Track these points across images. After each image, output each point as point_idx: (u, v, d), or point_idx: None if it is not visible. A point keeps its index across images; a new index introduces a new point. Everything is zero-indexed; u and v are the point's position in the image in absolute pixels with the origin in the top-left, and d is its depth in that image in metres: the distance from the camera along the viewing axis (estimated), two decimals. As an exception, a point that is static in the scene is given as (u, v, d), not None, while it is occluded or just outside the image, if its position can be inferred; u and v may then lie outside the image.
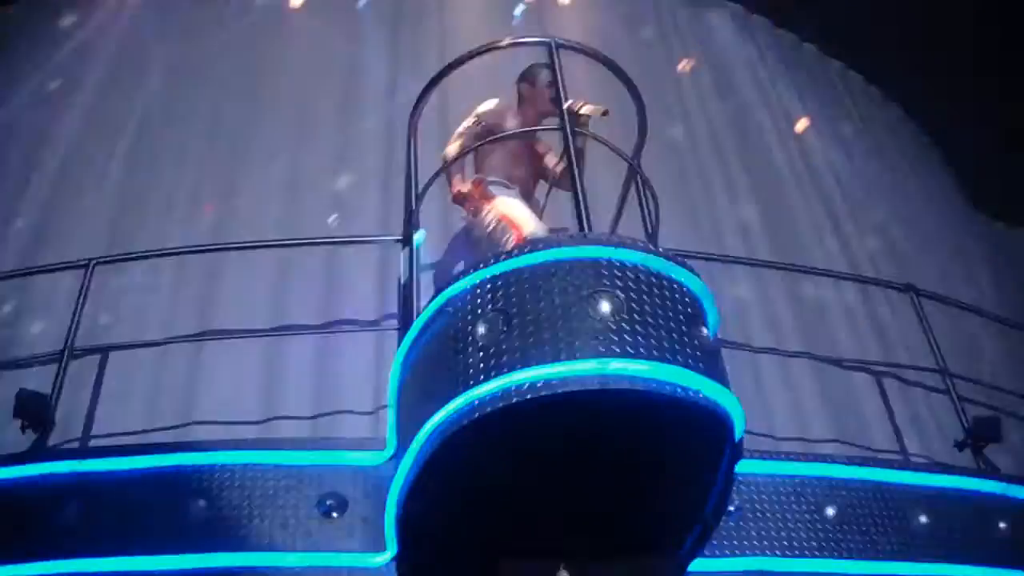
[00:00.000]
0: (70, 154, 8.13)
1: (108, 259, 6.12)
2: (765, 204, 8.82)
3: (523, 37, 5.80)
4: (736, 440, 3.93)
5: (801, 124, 10.31)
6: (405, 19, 9.31)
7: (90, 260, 5.86)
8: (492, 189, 5.63)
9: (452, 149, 5.81)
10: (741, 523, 4.65)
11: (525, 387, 3.60)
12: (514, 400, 3.59)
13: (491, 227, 5.44)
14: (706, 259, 6.44)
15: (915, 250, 9.63)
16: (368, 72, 8.67)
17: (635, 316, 3.74)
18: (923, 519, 4.95)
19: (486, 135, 5.63)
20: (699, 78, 10.03)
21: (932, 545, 4.88)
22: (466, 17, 9.34)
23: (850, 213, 9.46)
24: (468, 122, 5.91)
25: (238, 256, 6.74)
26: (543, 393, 3.57)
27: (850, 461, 5.19)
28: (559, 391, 3.57)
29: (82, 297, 5.67)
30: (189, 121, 8.23)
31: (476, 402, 3.68)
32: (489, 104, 5.95)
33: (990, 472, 5.66)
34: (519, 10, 9.54)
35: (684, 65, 10.06)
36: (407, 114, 5.47)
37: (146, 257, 6.64)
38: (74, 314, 5.59)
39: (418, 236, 5.13)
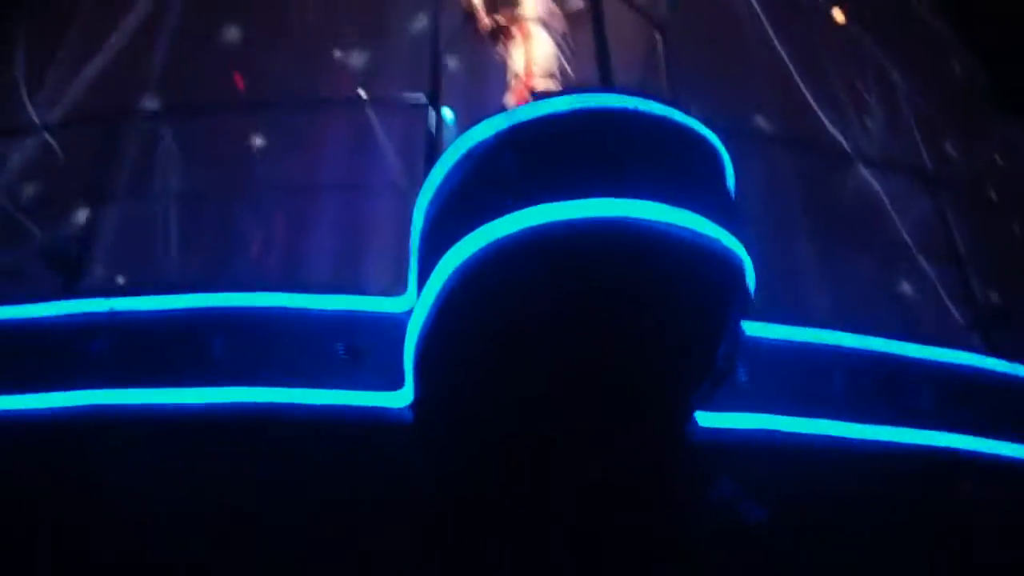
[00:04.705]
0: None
1: None
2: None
3: None
4: (747, 288, 4.00)
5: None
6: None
7: None
8: (531, 27, 5.64)
9: None
10: (751, 384, 4.74)
11: (544, 223, 3.66)
12: (533, 235, 3.67)
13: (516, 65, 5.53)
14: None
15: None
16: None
17: (655, 163, 3.80)
18: (928, 391, 5.05)
19: None
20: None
21: (935, 416, 4.99)
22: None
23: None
24: None
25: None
26: (562, 229, 3.65)
27: (857, 331, 5.24)
28: (577, 228, 3.64)
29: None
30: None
31: (495, 238, 3.74)
32: None
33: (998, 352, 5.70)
34: None
35: None
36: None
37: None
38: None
39: (447, 113, 5.16)
